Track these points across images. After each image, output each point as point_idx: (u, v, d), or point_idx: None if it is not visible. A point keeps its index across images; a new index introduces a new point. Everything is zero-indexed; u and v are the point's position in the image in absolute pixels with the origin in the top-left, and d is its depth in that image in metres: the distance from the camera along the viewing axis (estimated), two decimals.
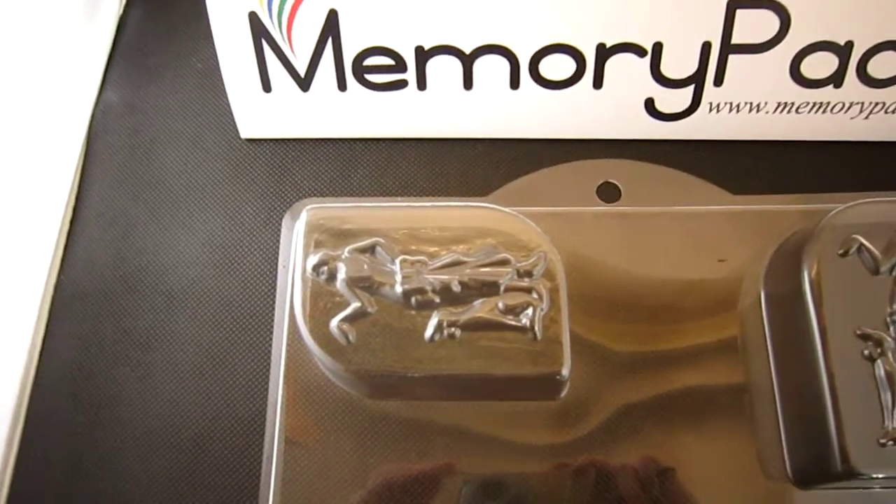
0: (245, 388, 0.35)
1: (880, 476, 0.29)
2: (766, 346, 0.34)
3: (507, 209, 0.33)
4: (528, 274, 0.31)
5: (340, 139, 0.40)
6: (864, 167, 0.39)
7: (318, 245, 0.32)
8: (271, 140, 0.40)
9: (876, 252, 0.31)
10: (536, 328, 0.31)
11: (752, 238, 0.37)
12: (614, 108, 0.38)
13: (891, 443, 0.29)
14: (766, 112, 0.38)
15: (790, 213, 0.37)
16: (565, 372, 0.30)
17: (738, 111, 0.38)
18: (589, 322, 0.35)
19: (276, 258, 0.37)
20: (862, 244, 0.31)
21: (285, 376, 0.34)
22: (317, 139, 0.40)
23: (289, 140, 0.40)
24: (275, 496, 0.32)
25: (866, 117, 0.37)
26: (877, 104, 0.37)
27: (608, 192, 0.38)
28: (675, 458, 0.33)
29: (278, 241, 0.37)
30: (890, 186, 0.36)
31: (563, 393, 0.34)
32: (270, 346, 0.35)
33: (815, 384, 0.30)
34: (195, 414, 0.35)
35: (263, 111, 0.39)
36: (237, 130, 0.40)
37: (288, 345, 0.35)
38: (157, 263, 0.38)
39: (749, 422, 0.33)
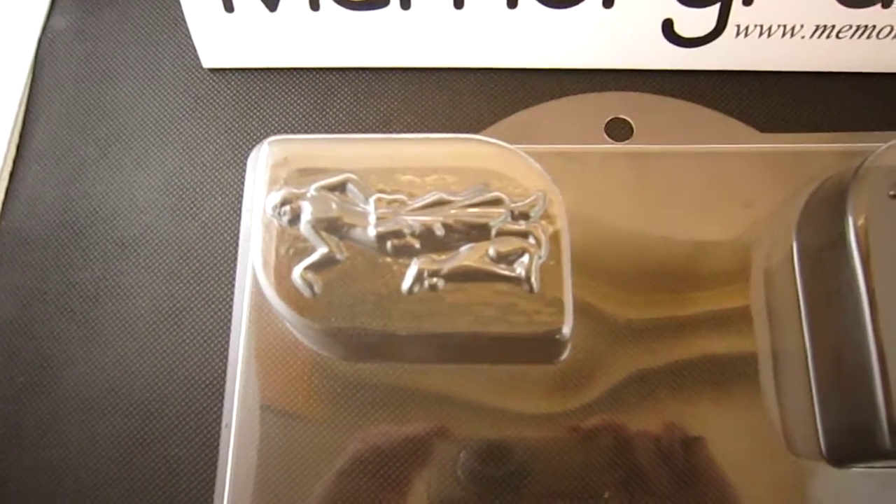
0: (203, 346, 0.32)
1: None
2: (798, 306, 0.30)
3: (501, 143, 0.28)
4: (525, 216, 0.27)
5: (314, 69, 0.36)
6: None
7: (281, 183, 0.28)
8: (236, 70, 0.36)
9: None
10: (533, 279, 0.26)
11: (782, 182, 0.32)
12: (626, 32, 0.34)
13: None
14: (803, 37, 0.33)
15: (827, 154, 0.32)
16: (566, 330, 0.26)
17: (769, 35, 0.33)
18: (594, 276, 0.31)
19: (241, 202, 0.33)
20: None
21: (247, 334, 0.30)
22: (287, 69, 0.36)
23: (256, 70, 0.36)
24: (234, 467, 0.29)
25: None
26: None
27: (618, 130, 0.33)
28: (692, 431, 0.29)
29: (243, 183, 0.33)
30: None
31: (565, 356, 0.29)
32: (232, 299, 0.31)
33: (860, 347, 0.26)
34: (147, 375, 0.32)
35: (227, 36, 0.35)
36: (198, 59, 0.36)
37: (251, 298, 0.31)
38: (107, 207, 0.34)
39: (777, 392, 0.29)
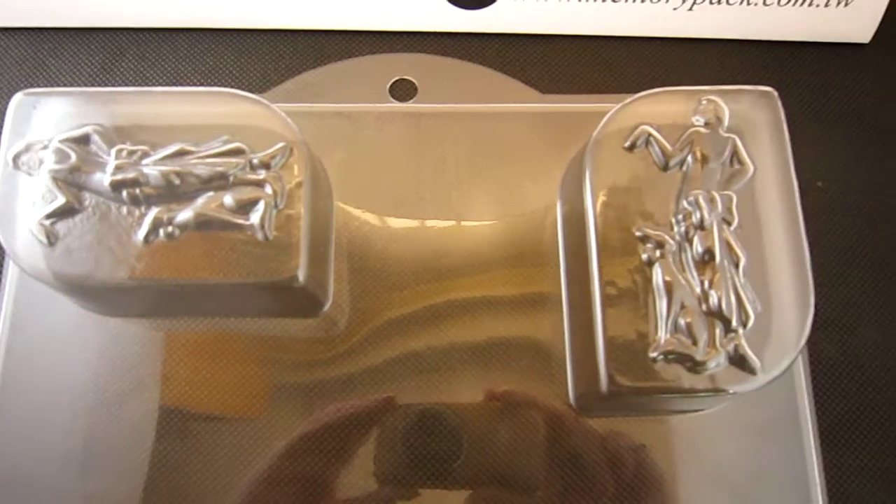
0: None
1: (653, 394, 0.25)
2: (560, 263, 0.30)
3: (251, 95, 0.28)
4: (266, 167, 0.27)
5: (102, 28, 0.35)
6: (697, 66, 0.35)
7: (26, 134, 0.27)
8: (25, 29, 0.35)
9: (666, 144, 0.27)
10: (266, 227, 0.26)
11: (558, 142, 0.32)
12: None
13: (662, 357, 0.25)
14: (580, 0, 0.33)
15: (601, 115, 0.33)
16: (301, 278, 0.26)
17: None
18: (365, 233, 0.31)
19: None
20: (651, 136, 0.27)
21: (9, 288, 0.30)
22: (76, 28, 0.35)
23: (44, 29, 0.35)
24: None
25: (690, 8, 0.33)
26: None
27: (403, 90, 0.33)
28: (463, 389, 0.29)
29: None
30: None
31: (325, 308, 0.30)
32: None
33: (590, 296, 0.26)
34: None
35: None
36: None
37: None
38: None
39: (542, 345, 0.30)
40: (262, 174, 0.27)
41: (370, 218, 0.31)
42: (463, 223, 0.31)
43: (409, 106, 0.33)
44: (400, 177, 0.31)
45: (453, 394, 0.29)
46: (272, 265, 0.26)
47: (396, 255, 0.31)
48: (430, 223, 0.31)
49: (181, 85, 0.34)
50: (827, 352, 0.31)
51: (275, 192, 0.26)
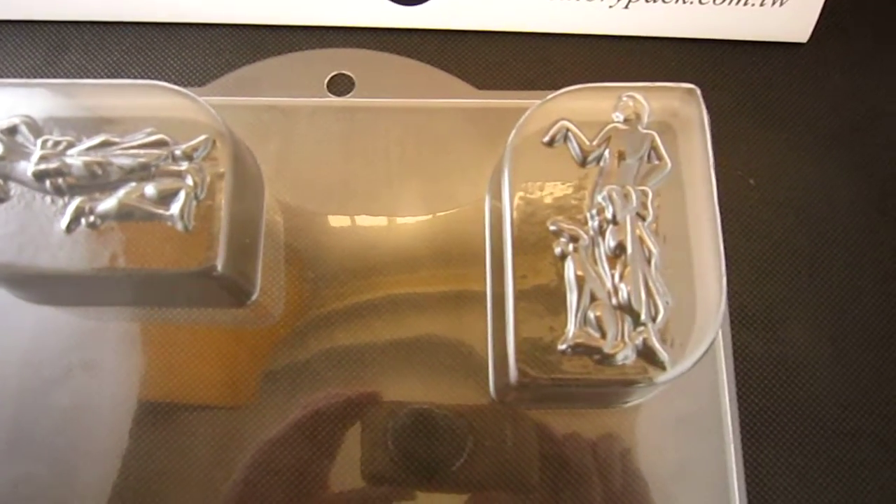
0: None
1: (562, 386, 0.25)
2: (485, 257, 0.31)
3: (178, 88, 0.29)
4: (189, 158, 0.27)
5: (46, 21, 0.35)
6: (633, 64, 0.35)
7: None
8: None
9: (584, 139, 0.27)
10: (186, 217, 0.27)
11: (494, 137, 0.33)
12: None
13: (570, 350, 0.25)
14: None
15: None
16: (219, 267, 0.26)
17: None
18: (297, 226, 0.31)
19: None
20: (570, 131, 0.27)
21: None
22: (19, 21, 0.35)
23: None
24: None
25: (626, 6, 0.34)
26: None
27: (340, 85, 0.34)
28: (388, 383, 0.30)
29: None
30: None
31: (253, 299, 0.30)
32: None
33: (505, 289, 0.27)
34: None
35: None
36: None
37: None
38: None
39: (466, 340, 0.30)
40: (183, 165, 0.27)
41: (302, 211, 0.31)
42: (394, 219, 0.31)
43: (344, 100, 0.33)
44: (332, 171, 0.32)
45: (378, 388, 0.29)
46: (191, 255, 0.27)
47: (327, 248, 0.31)
48: (360, 218, 0.31)
49: (123, 78, 0.34)
50: (752, 347, 0.31)
51: (195, 182, 0.27)
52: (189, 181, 0.27)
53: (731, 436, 0.29)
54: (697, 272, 0.26)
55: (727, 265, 0.32)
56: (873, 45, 0.35)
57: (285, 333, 0.30)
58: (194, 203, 0.27)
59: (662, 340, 0.25)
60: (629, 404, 0.30)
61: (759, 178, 0.33)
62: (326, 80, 0.33)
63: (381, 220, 0.31)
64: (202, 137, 0.27)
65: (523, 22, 0.34)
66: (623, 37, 0.35)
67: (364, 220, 0.31)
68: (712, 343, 0.26)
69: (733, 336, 0.31)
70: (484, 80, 0.34)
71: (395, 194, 0.32)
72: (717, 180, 0.33)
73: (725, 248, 0.33)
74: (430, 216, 0.31)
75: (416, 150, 0.32)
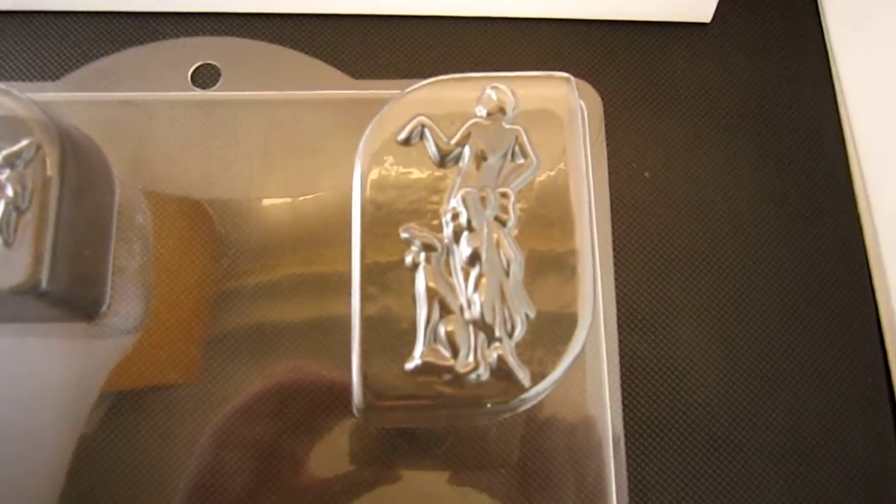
0: None
1: (411, 410, 0.24)
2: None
3: (6, 89, 0.26)
4: (11, 165, 0.25)
5: None
6: (521, 49, 0.32)
7: None
8: None
9: (442, 137, 0.25)
10: (5, 230, 0.24)
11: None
12: None
13: (419, 370, 0.23)
14: None
15: None
16: (44, 284, 0.24)
17: None
18: (164, 230, 0.29)
19: None
20: (426, 127, 0.25)
21: None
22: None
23: None
24: None
25: None
26: None
27: (206, 76, 0.31)
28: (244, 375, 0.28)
29: None
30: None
31: (103, 310, 0.28)
32: None
33: (352, 304, 0.25)
34: None
35: None
36: None
37: None
38: None
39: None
40: (4, 174, 0.25)
41: (157, 212, 0.29)
42: (252, 220, 0.29)
43: (204, 94, 0.30)
44: (189, 170, 0.29)
45: (236, 379, 0.28)
46: (13, 270, 0.25)
47: (183, 253, 0.29)
48: (218, 219, 0.29)
49: None
50: (639, 350, 0.29)
51: (16, 193, 0.25)
52: (9, 192, 0.25)
53: (609, 442, 0.28)
54: (561, 281, 0.24)
55: (617, 264, 0.31)
56: (781, 24, 0.33)
57: (142, 333, 0.28)
58: (14, 214, 0.25)
59: (523, 356, 0.24)
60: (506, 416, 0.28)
61: (654, 171, 0.31)
62: (191, 72, 0.31)
63: (236, 222, 0.29)
64: (24, 143, 0.25)
65: (404, 4, 0.32)
66: (514, 19, 0.32)
67: (220, 222, 0.29)
68: (576, 359, 0.24)
69: (621, 340, 0.29)
70: (361, 68, 0.31)
71: (254, 194, 0.29)
72: (610, 174, 0.31)
73: (617, 245, 0.31)
74: (291, 217, 0.29)
75: (279, 144, 0.30)
